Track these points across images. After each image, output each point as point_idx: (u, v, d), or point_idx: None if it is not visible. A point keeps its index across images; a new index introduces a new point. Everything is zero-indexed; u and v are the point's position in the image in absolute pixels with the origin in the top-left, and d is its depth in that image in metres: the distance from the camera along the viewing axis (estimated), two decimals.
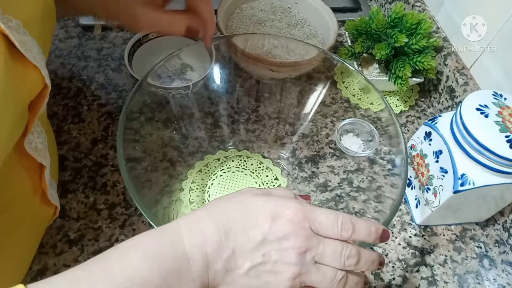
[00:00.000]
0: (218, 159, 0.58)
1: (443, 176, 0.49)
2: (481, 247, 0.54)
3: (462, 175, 0.47)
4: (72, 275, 0.27)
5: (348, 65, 0.54)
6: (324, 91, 0.59)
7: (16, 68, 0.31)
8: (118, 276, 0.27)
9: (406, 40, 0.60)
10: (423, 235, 0.54)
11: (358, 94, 0.62)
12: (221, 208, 0.32)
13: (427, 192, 0.52)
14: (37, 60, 0.33)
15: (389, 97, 0.69)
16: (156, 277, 0.27)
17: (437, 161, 0.51)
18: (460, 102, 0.48)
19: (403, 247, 0.53)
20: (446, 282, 0.50)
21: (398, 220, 0.55)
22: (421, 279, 0.50)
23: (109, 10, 0.46)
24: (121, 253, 0.28)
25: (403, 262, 0.51)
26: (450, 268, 0.52)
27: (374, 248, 0.52)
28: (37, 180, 0.40)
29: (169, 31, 0.48)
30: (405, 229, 0.54)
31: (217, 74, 0.59)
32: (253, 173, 0.57)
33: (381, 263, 0.35)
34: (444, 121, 0.51)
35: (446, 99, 0.65)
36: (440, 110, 0.66)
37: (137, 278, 0.27)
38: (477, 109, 0.46)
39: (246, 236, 0.31)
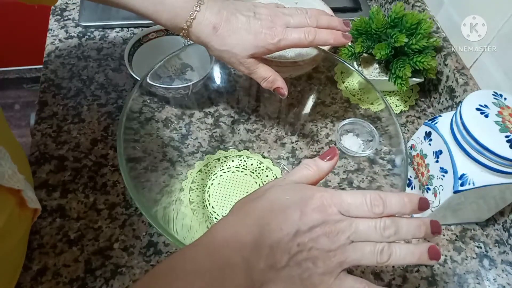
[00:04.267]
0: (218, 159, 0.58)
1: (443, 176, 0.49)
2: (481, 247, 0.54)
3: (462, 175, 0.47)
4: None
5: (348, 65, 0.54)
6: (324, 91, 0.59)
7: None
8: None
9: (406, 40, 0.60)
10: None
11: (358, 94, 0.62)
12: (249, 210, 0.33)
13: (427, 192, 0.52)
14: None
15: (389, 97, 0.69)
16: None
17: (437, 161, 0.51)
18: (460, 102, 0.48)
19: None
20: (446, 282, 0.50)
21: None
22: (421, 279, 0.50)
23: (214, 47, 0.47)
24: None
25: None
26: (450, 268, 0.52)
27: None
28: (17, 194, 0.40)
29: (262, 84, 0.49)
30: None
31: (217, 74, 0.60)
32: (253, 173, 0.57)
33: (435, 227, 0.32)
34: (444, 121, 0.51)
35: (446, 99, 0.65)
36: (440, 110, 0.66)
37: None
38: (477, 109, 0.46)
39: (280, 231, 0.31)
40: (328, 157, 0.37)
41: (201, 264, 0.30)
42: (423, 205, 0.33)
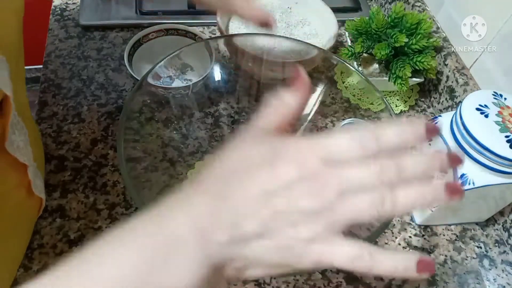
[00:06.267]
0: None
1: (443, 176, 0.49)
2: (481, 247, 0.54)
3: (462, 175, 0.47)
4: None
5: (348, 65, 0.53)
6: (324, 91, 0.59)
7: None
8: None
9: (406, 40, 0.60)
10: (423, 235, 0.54)
11: (358, 94, 0.62)
12: (207, 174, 0.27)
13: None
14: None
15: (389, 97, 0.69)
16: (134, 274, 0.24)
17: None
18: (460, 102, 0.48)
19: (403, 247, 0.53)
20: (446, 282, 0.50)
21: (398, 220, 0.55)
22: (421, 279, 0.50)
23: None
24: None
25: None
26: (450, 268, 0.52)
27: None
28: (23, 173, 0.40)
29: (239, 12, 0.47)
30: (405, 229, 0.54)
31: (217, 74, 0.59)
32: None
33: (454, 157, 0.25)
34: (444, 121, 0.51)
35: (446, 99, 0.65)
36: (440, 110, 0.66)
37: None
38: (477, 109, 0.46)
39: (244, 191, 0.25)
40: (295, 86, 0.30)
41: (144, 236, 0.25)
42: (431, 129, 0.25)
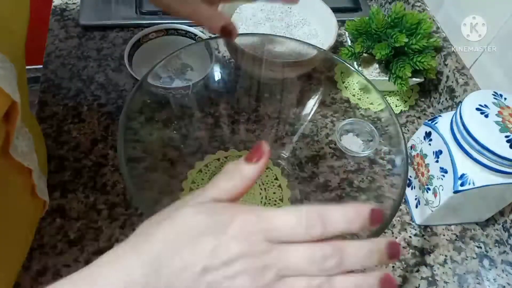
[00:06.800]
0: (218, 159, 0.58)
1: (443, 176, 0.49)
2: (481, 247, 0.54)
3: (462, 175, 0.47)
4: None
5: (348, 65, 0.53)
6: (324, 91, 0.59)
7: None
8: None
9: (406, 40, 0.60)
10: (423, 235, 0.54)
11: (358, 94, 0.62)
12: (148, 239, 0.26)
13: (427, 192, 0.52)
14: None
15: (389, 97, 0.69)
16: None
17: (437, 161, 0.51)
18: (460, 102, 0.48)
19: (403, 247, 0.53)
20: (446, 282, 0.50)
21: (398, 220, 0.55)
22: (421, 279, 0.50)
23: None
24: None
25: (403, 262, 0.51)
26: (450, 268, 0.52)
27: None
28: (28, 177, 0.40)
29: (205, 24, 0.47)
30: (405, 229, 0.54)
31: (217, 74, 0.59)
32: None
33: (392, 251, 0.26)
34: (444, 121, 0.51)
35: (446, 99, 0.65)
36: (440, 110, 0.66)
37: None
38: (477, 109, 0.46)
39: (184, 267, 0.24)
40: (255, 159, 0.29)
41: None
42: (376, 217, 0.26)
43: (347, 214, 0.26)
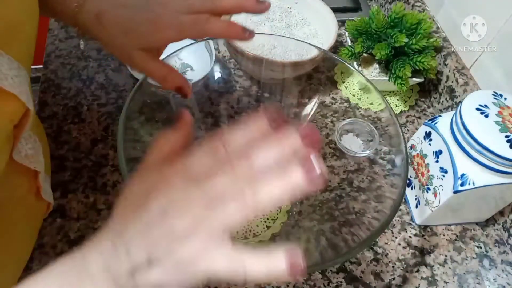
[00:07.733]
0: None
1: (443, 176, 0.49)
2: (481, 247, 0.54)
3: (462, 175, 0.47)
4: None
5: (348, 65, 0.53)
6: (324, 91, 0.59)
7: None
8: None
9: (406, 40, 0.60)
10: (423, 235, 0.54)
11: (358, 94, 0.62)
12: (117, 206, 0.29)
13: (427, 192, 0.52)
14: (15, 85, 0.31)
15: (389, 97, 0.69)
16: None
17: (437, 161, 0.51)
18: (460, 102, 0.48)
19: (403, 247, 0.53)
20: (446, 282, 0.50)
21: (398, 220, 0.55)
22: (421, 279, 0.50)
23: (103, 40, 0.41)
24: None
25: (403, 262, 0.51)
26: (450, 268, 0.52)
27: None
28: (33, 179, 0.40)
29: (160, 83, 0.44)
30: (405, 229, 0.54)
31: (217, 74, 0.59)
32: None
33: (307, 136, 0.27)
34: (444, 121, 0.51)
35: (446, 99, 0.65)
36: (440, 110, 0.66)
37: None
38: (477, 109, 0.46)
39: (133, 224, 0.26)
40: (178, 125, 0.33)
41: (59, 276, 0.26)
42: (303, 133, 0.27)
43: (248, 132, 0.28)
